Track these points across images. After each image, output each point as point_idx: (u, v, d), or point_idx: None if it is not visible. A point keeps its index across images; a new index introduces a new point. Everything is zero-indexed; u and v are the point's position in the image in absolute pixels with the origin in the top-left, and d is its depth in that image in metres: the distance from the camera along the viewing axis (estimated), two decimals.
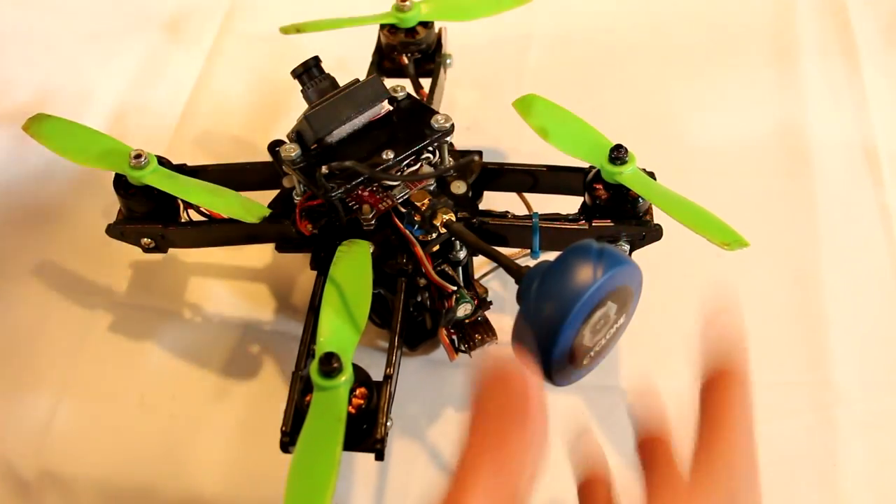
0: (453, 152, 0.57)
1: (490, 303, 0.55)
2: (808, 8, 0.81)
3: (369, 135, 0.53)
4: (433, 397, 0.57)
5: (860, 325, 0.60)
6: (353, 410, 0.44)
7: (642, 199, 0.52)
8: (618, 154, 0.51)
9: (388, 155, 0.51)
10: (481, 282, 0.58)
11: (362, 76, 0.55)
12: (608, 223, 0.53)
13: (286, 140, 0.53)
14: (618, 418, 0.56)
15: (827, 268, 0.63)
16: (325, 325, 0.46)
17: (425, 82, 0.63)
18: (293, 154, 0.51)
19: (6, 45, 0.82)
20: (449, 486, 0.33)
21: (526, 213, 0.55)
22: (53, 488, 0.55)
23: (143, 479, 0.55)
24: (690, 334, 0.60)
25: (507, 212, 0.55)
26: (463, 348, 0.54)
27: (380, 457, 0.45)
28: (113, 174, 0.56)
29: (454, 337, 0.54)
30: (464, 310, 0.52)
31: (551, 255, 0.44)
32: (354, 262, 0.49)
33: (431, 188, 0.53)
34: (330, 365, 0.43)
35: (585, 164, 0.55)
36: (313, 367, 0.43)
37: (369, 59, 0.65)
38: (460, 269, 0.54)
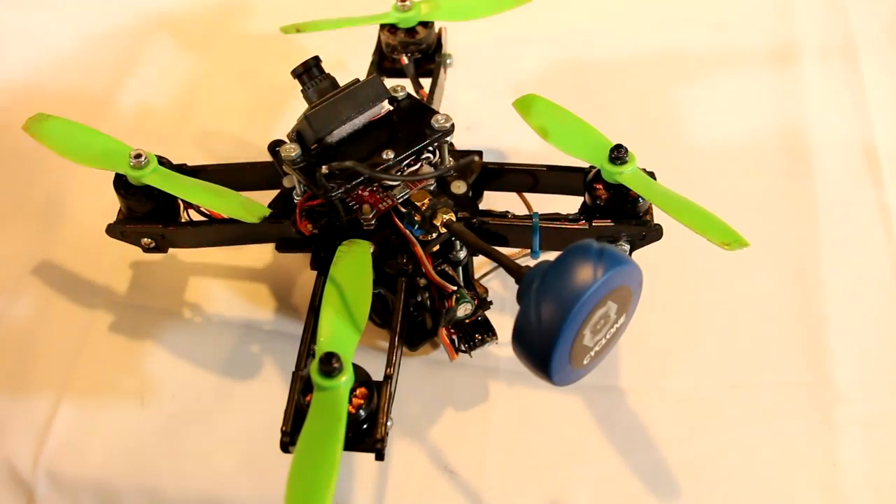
0: (453, 152, 0.57)
1: (490, 303, 0.55)
2: (808, 8, 0.81)
3: (369, 135, 0.53)
4: (433, 397, 0.57)
5: (860, 325, 0.60)
6: (353, 410, 0.44)
7: (642, 198, 0.52)
8: (618, 154, 0.51)
9: (388, 155, 0.51)
10: (481, 282, 0.58)
11: (362, 76, 0.55)
12: (608, 223, 0.53)
13: (286, 140, 0.53)
14: (618, 418, 0.56)
15: (827, 268, 0.63)
16: (325, 325, 0.46)
17: (425, 82, 0.63)
18: (293, 154, 0.51)
19: (6, 44, 0.82)
20: None
21: (526, 213, 0.55)
22: (53, 488, 0.55)
23: (143, 478, 0.55)
24: (690, 334, 0.60)
25: (507, 212, 0.55)
26: (463, 348, 0.54)
27: (380, 457, 0.45)
28: (113, 174, 0.56)
29: (454, 337, 0.54)
30: (464, 310, 0.53)
31: (551, 255, 0.44)
32: (354, 262, 0.49)
33: (431, 188, 0.53)
34: (330, 365, 0.43)
35: (585, 164, 0.55)
36: (313, 366, 0.43)
37: (369, 59, 0.65)
38: (460, 269, 0.54)
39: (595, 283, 0.41)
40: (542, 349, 0.42)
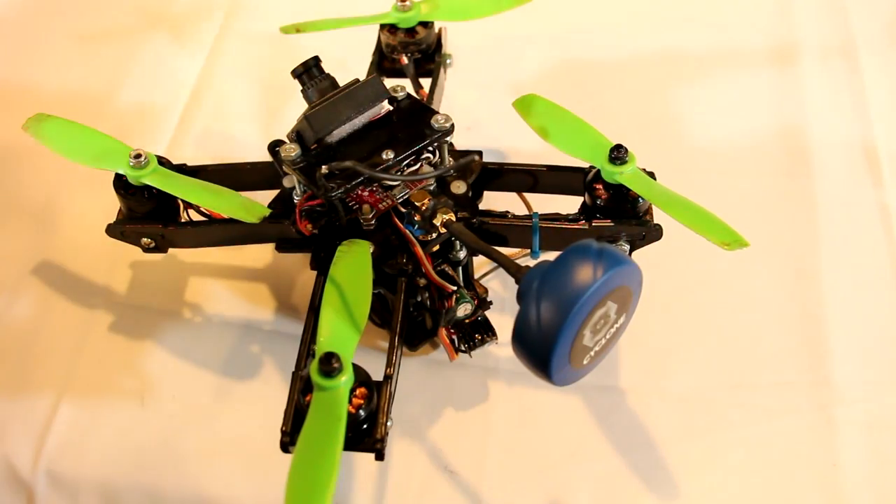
0: (453, 152, 0.57)
1: (490, 303, 0.55)
2: (808, 8, 0.81)
3: (369, 135, 0.53)
4: (433, 397, 0.57)
5: (860, 325, 0.60)
6: (353, 410, 0.44)
7: (642, 198, 0.52)
8: (618, 154, 0.51)
9: (388, 155, 0.51)
10: (481, 282, 0.58)
11: (362, 76, 0.55)
12: (608, 223, 0.53)
13: (286, 140, 0.53)
14: (618, 418, 0.56)
15: (827, 268, 0.63)
16: (325, 325, 0.46)
17: (425, 82, 0.63)
18: (293, 154, 0.51)
19: (6, 44, 0.82)
20: None
21: (526, 213, 0.55)
22: (53, 488, 0.55)
23: (143, 479, 0.55)
24: (690, 334, 0.60)
25: (507, 212, 0.55)
26: (463, 348, 0.54)
27: (380, 457, 0.45)
28: (113, 174, 0.56)
29: (454, 337, 0.54)
30: (464, 310, 0.53)
31: (551, 255, 0.44)
32: (354, 262, 0.49)
33: (431, 188, 0.53)
34: (330, 365, 0.43)
35: (585, 164, 0.55)
36: (313, 366, 0.43)
37: (369, 59, 0.65)
38: (460, 269, 0.54)
39: (595, 283, 0.41)
40: (542, 349, 0.42)
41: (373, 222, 0.52)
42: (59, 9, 0.85)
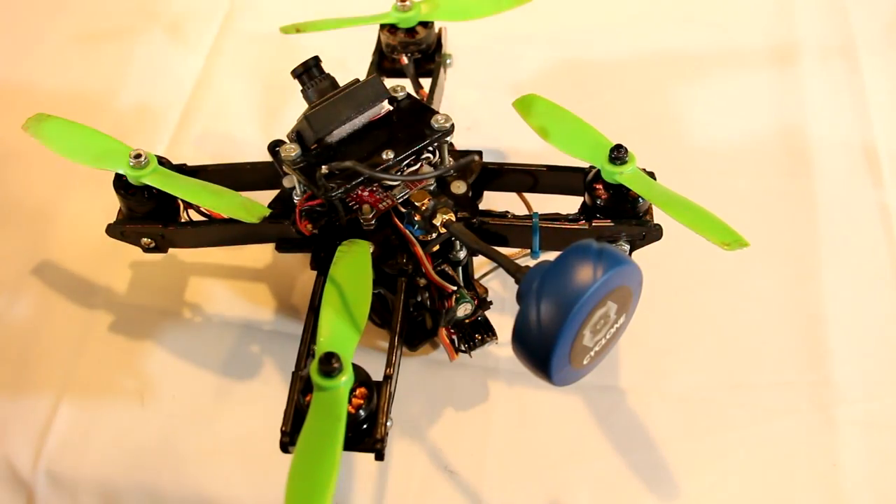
0: (453, 152, 0.57)
1: (490, 303, 0.55)
2: (808, 8, 0.81)
3: (369, 135, 0.53)
4: (433, 397, 0.57)
5: (860, 325, 0.60)
6: (352, 410, 0.44)
7: (642, 198, 0.52)
8: (618, 154, 0.51)
9: (388, 155, 0.51)
10: (481, 282, 0.58)
11: (362, 76, 0.55)
12: (608, 223, 0.53)
13: (286, 140, 0.53)
14: (618, 418, 0.56)
15: (827, 268, 0.63)
16: (325, 325, 0.46)
17: (425, 82, 0.63)
18: (293, 154, 0.51)
19: (6, 44, 0.82)
20: None
21: (526, 213, 0.55)
22: (53, 488, 0.55)
23: (143, 478, 0.55)
24: (690, 334, 0.60)
25: (507, 212, 0.55)
26: (463, 348, 0.54)
27: (380, 457, 0.45)
28: (113, 174, 0.56)
29: (454, 337, 0.54)
30: (464, 310, 0.53)
31: (551, 255, 0.44)
32: (354, 262, 0.49)
33: (431, 188, 0.53)
34: (330, 365, 0.43)
35: (585, 164, 0.55)
36: (313, 367, 0.43)
37: (369, 59, 0.65)
38: (460, 269, 0.54)
39: (595, 283, 0.41)
40: (542, 349, 0.42)
41: (373, 222, 0.52)
42: (59, 8, 0.85)
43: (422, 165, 0.53)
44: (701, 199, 0.50)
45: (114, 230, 0.57)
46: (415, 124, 0.53)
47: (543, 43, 0.80)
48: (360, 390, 0.45)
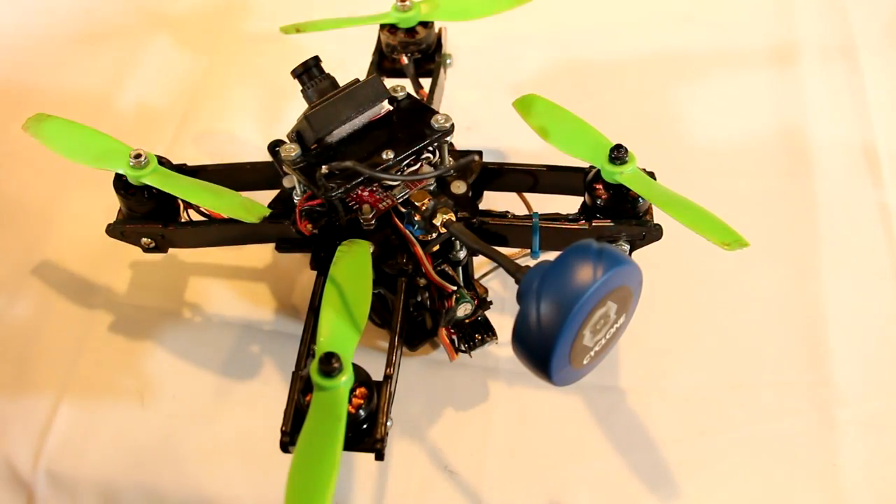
0: (453, 152, 0.57)
1: (490, 303, 0.55)
2: (808, 8, 0.81)
3: (369, 135, 0.53)
4: (433, 397, 0.57)
5: (860, 324, 0.60)
6: (352, 410, 0.44)
7: (642, 198, 0.52)
8: (618, 154, 0.51)
9: (388, 155, 0.51)
10: (481, 282, 0.58)
11: (362, 76, 0.55)
12: (608, 223, 0.53)
13: (286, 140, 0.53)
14: (618, 418, 0.56)
15: (827, 268, 0.63)
16: (325, 325, 0.46)
17: (425, 82, 0.63)
18: (293, 154, 0.51)
19: (6, 44, 0.82)
20: None
21: (526, 213, 0.55)
22: (53, 488, 0.55)
23: (142, 478, 0.55)
24: (690, 334, 0.60)
25: (507, 212, 0.55)
26: (463, 348, 0.54)
27: (380, 457, 0.45)
28: (113, 174, 0.56)
29: (454, 337, 0.54)
30: (464, 310, 0.53)
31: (551, 255, 0.44)
32: (354, 262, 0.49)
33: (431, 188, 0.53)
34: (330, 365, 0.43)
35: (585, 164, 0.55)
36: (313, 366, 0.43)
37: (369, 59, 0.65)
38: (460, 269, 0.54)
39: (595, 283, 0.41)
40: (542, 349, 0.42)
41: (373, 222, 0.52)
42: (59, 9, 0.85)
43: (422, 165, 0.53)
44: (701, 199, 0.50)
45: (114, 230, 0.57)
46: (415, 124, 0.53)
47: (543, 43, 0.80)
48: (360, 390, 0.45)
